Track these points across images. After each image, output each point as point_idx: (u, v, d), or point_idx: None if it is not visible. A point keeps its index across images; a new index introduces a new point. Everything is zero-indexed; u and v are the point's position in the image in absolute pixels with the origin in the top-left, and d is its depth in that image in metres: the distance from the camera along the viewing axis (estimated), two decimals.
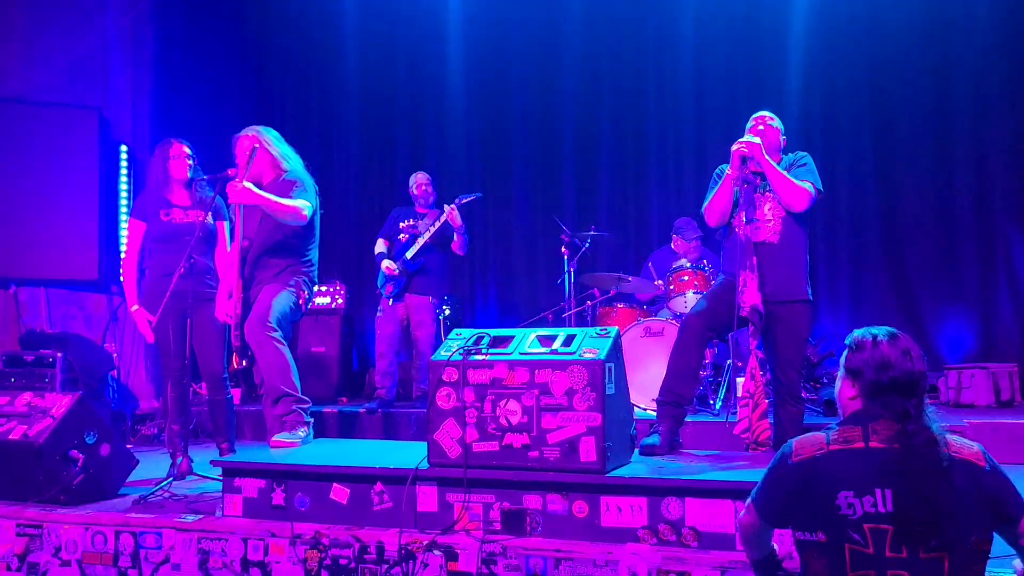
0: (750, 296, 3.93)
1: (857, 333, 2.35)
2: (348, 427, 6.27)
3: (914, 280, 7.30)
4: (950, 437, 2.21)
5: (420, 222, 6.49)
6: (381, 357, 6.47)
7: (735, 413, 5.66)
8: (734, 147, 4.09)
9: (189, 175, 4.82)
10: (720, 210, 4.16)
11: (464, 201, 6.30)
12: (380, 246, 6.60)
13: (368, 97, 8.77)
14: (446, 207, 6.30)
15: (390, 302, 6.42)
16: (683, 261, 6.73)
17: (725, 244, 4.28)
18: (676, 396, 4.01)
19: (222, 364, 4.78)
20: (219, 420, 4.83)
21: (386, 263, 6.41)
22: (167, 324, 4.58)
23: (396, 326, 6.44)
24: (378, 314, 6.52)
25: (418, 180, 6.67)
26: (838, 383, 2.38)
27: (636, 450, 3.69)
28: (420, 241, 6.35)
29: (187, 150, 4.84)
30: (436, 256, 6.46)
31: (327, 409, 6.56)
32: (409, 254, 6.36)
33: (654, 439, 3.87)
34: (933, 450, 2.13)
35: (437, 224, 6.33)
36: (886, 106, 7.44)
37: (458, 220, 6.30)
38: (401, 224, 6.57)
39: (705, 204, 4.23)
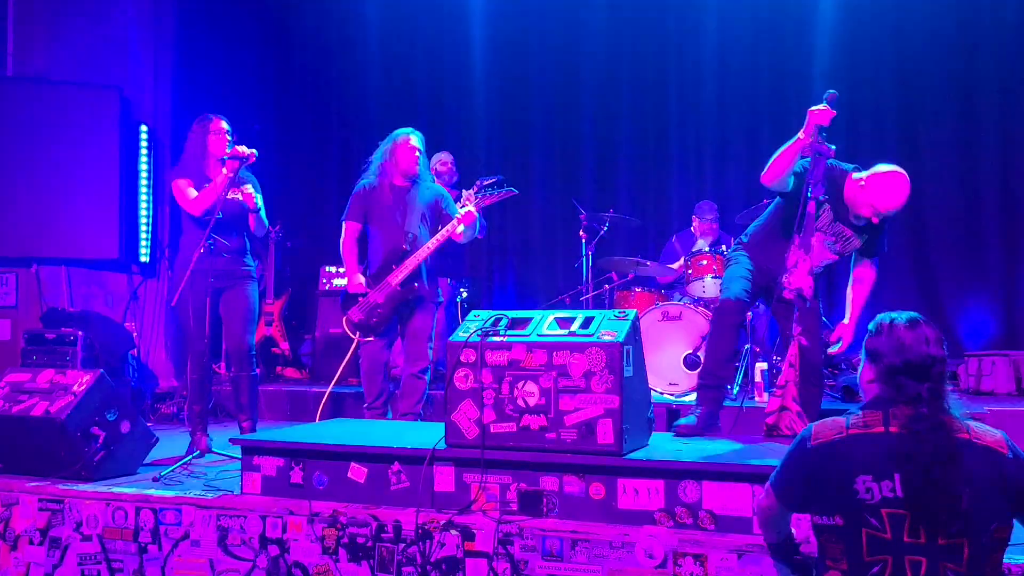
0: (798, 279, 3.73)
1: (879, 317, 2.34)
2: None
3: (936, 265, 7.25)
4: (972, 424, 2.20)
5: None
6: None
7: (752, 398, 5.68)
8: (814, 109, 3.70)
9: (227, 151, 4.75)
10: (778, 169, 3.77)
11: (486, 185, 6.15)
12: None
13: (388, 78, 8.76)
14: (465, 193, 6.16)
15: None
16: (700, 243, 6.73)
17: (770, 217, 4.14)
18: (717, 379, 4.03)
19: (250, 342, 4.81)
20: (243, 398, 4.85)
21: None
22: (189, 303, 4.60)
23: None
24: None
25: (442, 159, 6.63)
26: (860, 366, 2.38)
27: (653, 432, 3.69)
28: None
29: (226, 126, 4.83)
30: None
31: (345, 389, 6.59)
32: None
33: (691, 419, 3.88)
34: (939, 435, 2.12)
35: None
36: (910, 88, 7.38)
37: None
38: None
39: (769, 163, 3.86)
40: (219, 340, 4.85)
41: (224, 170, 4.61)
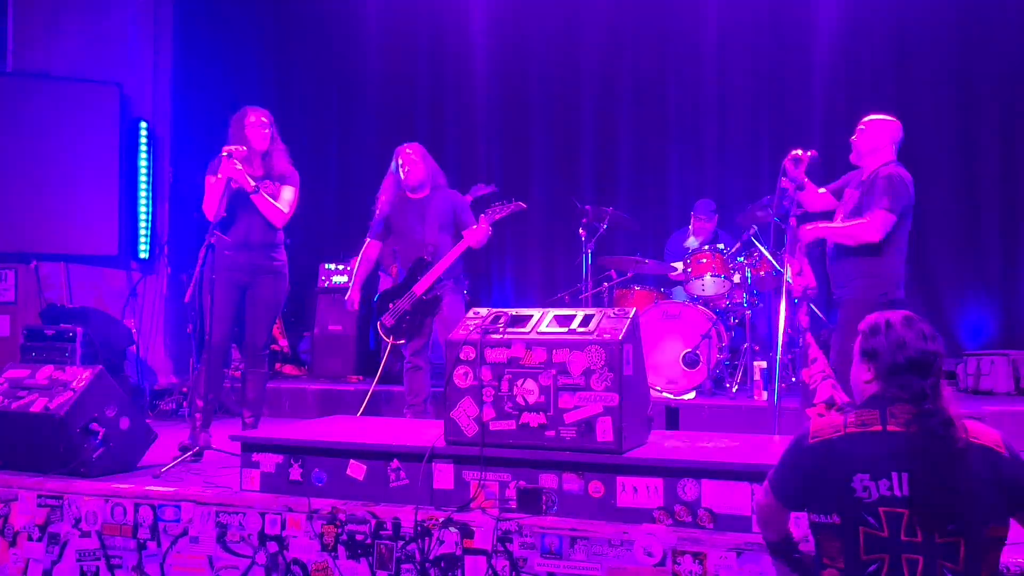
0: (805, 279, 4.29)
1: (871, 317, 2.34)
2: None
3: (935, 265, 7.25)
4: (969, 422, 2.20)
5: None
6: None
7: (751, 396, 5.69)
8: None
9: (268, 146, 4.74)
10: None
11: (480, 194, 6.27)
12: None
13: (387, 76, 8.76)
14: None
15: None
16: (691, 240, 6.75)
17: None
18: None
19: (265, 338, 4.82)
20: (250, 393, 4.84)
21: None
22: (209, 297, 4.58)
23: None
24: None
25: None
26: (853, 368, 2.38)
27: (652, 430, 3.69)
28: None
29: (265, 118, 4.75)
30: None
31: (344, 387, 6.61)
32: None
33: None
34: (950, 431, 2.12)
35: None
36: (910, 87, 7.37)
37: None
38: None
39: None
40: (236, 336, 4.84)
41: (218, 175, 4.58)
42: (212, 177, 4.71)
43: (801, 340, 4.43)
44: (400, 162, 5.19)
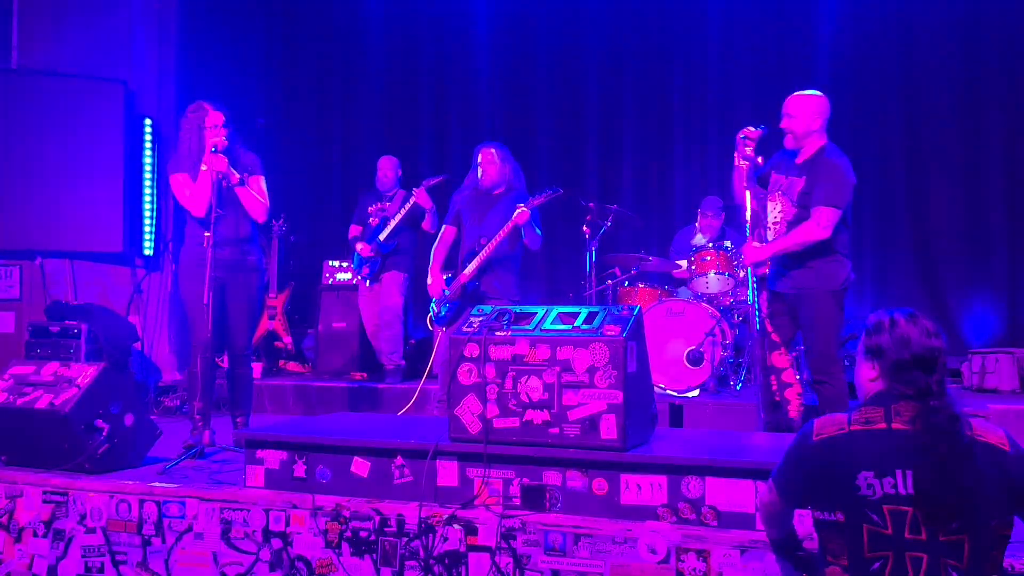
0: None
1: (876, 315, 2.34)
2: (367, 401, 6.32)
3: (940, 262, 7.24)
4: (973, 420, 2.20)
5: (389, 204, 6.73)
6: (373, 336, 6.86)
7: (755, 393, 5.68)
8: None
9: (226, 144, 4.60)
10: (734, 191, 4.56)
11: (431, 184, 6.41)
12: (353, 231, 6.94)
13: (392, 71, 8.76)
14: (414, 190, 6.44)
15: (367, 283, 6.75)
16: (699, 238, 6.74)
17: None
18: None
19: (248, 338, 4.78)
20: (238, 394, 4.81)
21: (360, 245, 6.75)
22: (201, 293, 4.54)
23: (379, 305, 6.74)
24: (360, 296, 6.92)
25: (379, 165, 6.94)
26: (857, 366, 2.37)
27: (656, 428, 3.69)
28: (391, 223, 6.61)
29: (223, 118, 4.60)
30: (407, 235, 6.71)
31: (347, 383, 6.61)
32: (382, 236, 6.62)
33: None
34: (956, 427, 2.12)
35: (406, 207, 6.54)
36: (916, 83, 7.37)
37: (428, 202, 6.42)
38: (369, 208, 6.88)
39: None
40: (221, 334, 4.80)
41: (203, 167, 4.51)
42: (180, 175, 4.62)
43: (760, 325, 4.47)
44: (479, 160, 5.43)
